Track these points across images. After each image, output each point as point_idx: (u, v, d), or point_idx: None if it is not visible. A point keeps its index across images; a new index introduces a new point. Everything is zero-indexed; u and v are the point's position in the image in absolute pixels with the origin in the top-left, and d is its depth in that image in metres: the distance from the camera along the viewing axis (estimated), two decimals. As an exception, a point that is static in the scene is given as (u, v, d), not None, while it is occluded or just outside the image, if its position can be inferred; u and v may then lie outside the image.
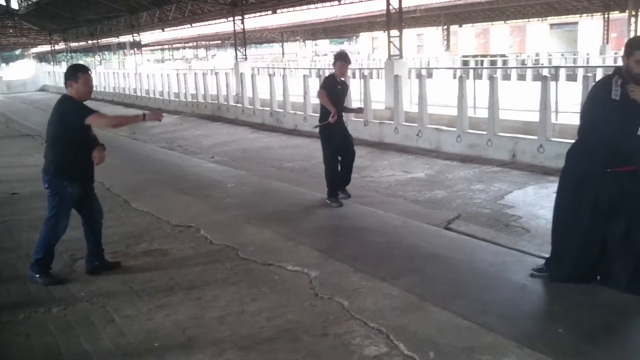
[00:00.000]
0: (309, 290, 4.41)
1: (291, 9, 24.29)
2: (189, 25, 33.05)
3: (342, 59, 7.00)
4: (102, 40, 41.76)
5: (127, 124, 4.49)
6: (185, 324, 3.94)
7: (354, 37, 54.93)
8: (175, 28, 35.78)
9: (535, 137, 8.68)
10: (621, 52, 14.65)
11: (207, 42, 57.90)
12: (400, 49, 14.00)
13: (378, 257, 5.11)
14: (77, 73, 4.71)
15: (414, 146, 10.79)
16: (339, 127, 7.05)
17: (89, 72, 4.88)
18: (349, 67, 7.17)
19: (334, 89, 6.94)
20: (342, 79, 7.14)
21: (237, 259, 5.18)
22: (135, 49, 36.18)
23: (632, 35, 20.14)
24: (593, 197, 4.02)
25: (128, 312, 4.17)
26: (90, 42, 42.93)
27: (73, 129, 4.59)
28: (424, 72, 13.88)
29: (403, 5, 14.33)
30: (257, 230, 6.04)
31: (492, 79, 9.52)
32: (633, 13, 20.15)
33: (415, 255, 5.14)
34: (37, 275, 4.74)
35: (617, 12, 21.75)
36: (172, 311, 4.15)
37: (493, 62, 23.86)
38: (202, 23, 31.20)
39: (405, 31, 13.77)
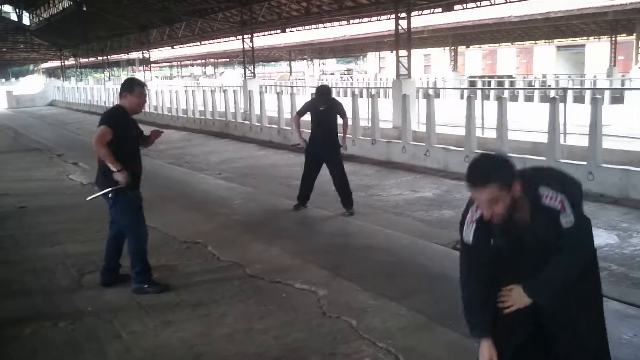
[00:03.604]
0: (316, 308, 4.38)
1: (300, 28, 24.48)
2: (198, 43, 33.30)
3: (319, 92, 7.54)
4: (112, 56, 42.11)
5: (104, 159, 4.54)
6: (192, 341, 3.91)
7: (362, 57, 55.20)
8: (184, 45, 36.05)
9: (544, 158, 8.66)
10: (629, 75, 14.58)
11: (216, 60, 58.28)
12: (408, 69, 14.06)
13: (386, 276, 5.07)
14: (133, 85, 4.79)
15: (422, 165, 10.78)
16: (317, 146, 7.47)
17: (145, 86, 4.96)
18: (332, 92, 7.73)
19: (314, 111, 7.46)
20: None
21: (244, 276, 5.16)
22: (144, 65, 36.45)
23: None
24: None
25: (135, 328, 4.14)
26: (100, 58, 43.29)
27: (117, 138, 4.59)
28: (431, 91, 13.90)
29: (413, 26, 14.42)
30: (264, 248, 6.02)
31: (500, 99, 9.53)
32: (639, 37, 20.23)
33: (423, 275, 5.10)
34: (146, 286, 4.81)
35: (625, 35, 21.79)
36: (179, 328, 4.12)
37: (500, 83, 23.91)
38: (211, 41, 31.43)
39: (412, 51, 13.82)
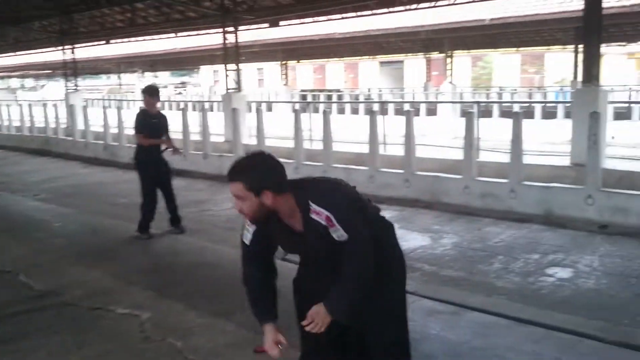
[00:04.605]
0: (139, 333, 4.20)
1: (125, 39, 23.51)
2: (13, 53, 30.58)
3: (146, 92, 6.90)
4: None
5: None
6: (-3, 382, 3.55)
7: (196, 70, 54.43)
8: (-4, 55, 32.89)
9: (367, 168, 9.16)
10: (441, 89, 16.01)
11: (36, 72, 53.95)
12: (238, 83, 14.13)
13: (214, 293, 5.01)
14: None
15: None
16: (156, 161, 6.98)
17: None
18: (159, 100, 7.07)
19: (149, 123, 6.84)
20: (156, 112, 6.98)
21: (61, 305, 4.80)
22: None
23: (449, 73, 22.24)
24: None
25: None
26: None
27: None
28: (261, 105, 14.12)
29: (241, 40, 14.55)
30: (85, 272, 5.65)
31: (325, 113, 9.92)
32: (449, 54, 22.32)
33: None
34: None
35: (437, 52, 23.91)
36: (-19, 369, 3.73)
37: (329, 97, 25.00)
38: (29, 51, 29.01)
39: (246, 65, 13.96)
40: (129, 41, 24.37)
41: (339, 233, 2.39)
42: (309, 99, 26.87)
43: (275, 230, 2.54)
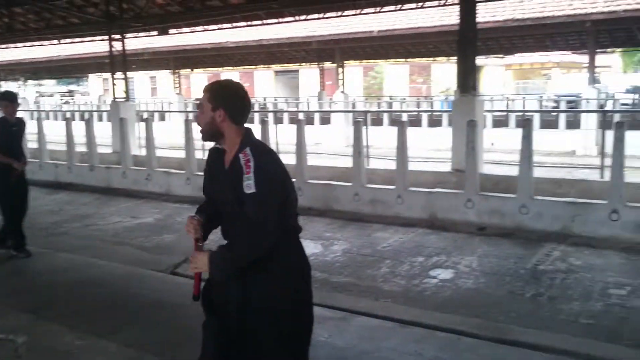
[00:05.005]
0: (14, 359, 3.93)
1: (3, 46, 22.04)
2: None
3: (4, 99, 6.37)
4: None
5: None
6: None
7: (85, 78, 52.07)
8: None
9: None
10: (334, 98, 16.28)
11: None
12: (127, 92, 13.67)
13: (97, 311, 4.80)
14: None
15: (144, 190, 10.54)
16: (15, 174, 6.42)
17: None
18: (17, 107, 6.48)
19: (8, 132, 6.31)
20: (15, 119, 6.43)
21: None
22: None
23: (341, 82, 22.74)
24: None
25: None
26: None
27: None
28: (149, 114, 13.74)
29: (131, 47, 14.07)
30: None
31: (187, 122, 9.84)
32: (340, 64, 22.83)
33: (136, 305, 4.95)
34: None
35: (330, 62, 24.35)
36: None
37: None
38: None
39: (138, 73, 13.53)
40: (7, 47, 22.86)
41: (248, 182, 2.42)
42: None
43: (213, 166, 2.65)
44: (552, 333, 4.37)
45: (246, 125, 2.62)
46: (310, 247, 6.79)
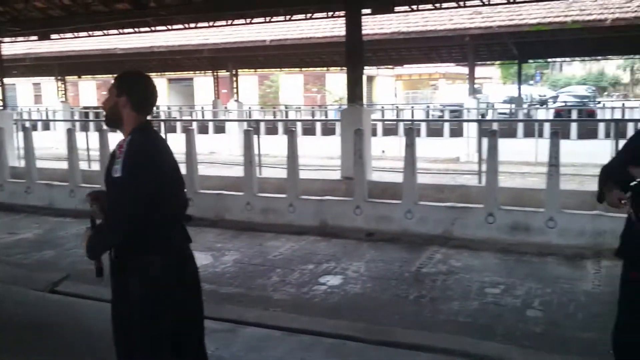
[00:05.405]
0: None
1: None
2: None
3: None
4: None
5: None
6: None
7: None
8: None
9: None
10: (228, 107, 16.20)
11: None
12: (3, 99, 12.85)
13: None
14: None
15: (23, 204, 9.91)
16: None
17: None
18: None
19: None
20: None
21: None
22: None
23: (235, 91, 22.62)
24: None
25: None
26: None
27: None
28: (28, 124, 12.98)
29: (10, 52, 13.22)
30: None
31: (102, 132, 9.44)
32: (234, 72, 22.72)
33: (11, 328, 4.65)
34: None
35: (224, 71, 24.16)
36: None
37: (97, 115, 24.12)
38: None
39: (19, 80, 12.73)
40: None
41: (116, 167, 2.47)
42: (92, 116, 25.39)
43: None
44: (432, 333, 4.58)
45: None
46: (201, 259, 6.67)
